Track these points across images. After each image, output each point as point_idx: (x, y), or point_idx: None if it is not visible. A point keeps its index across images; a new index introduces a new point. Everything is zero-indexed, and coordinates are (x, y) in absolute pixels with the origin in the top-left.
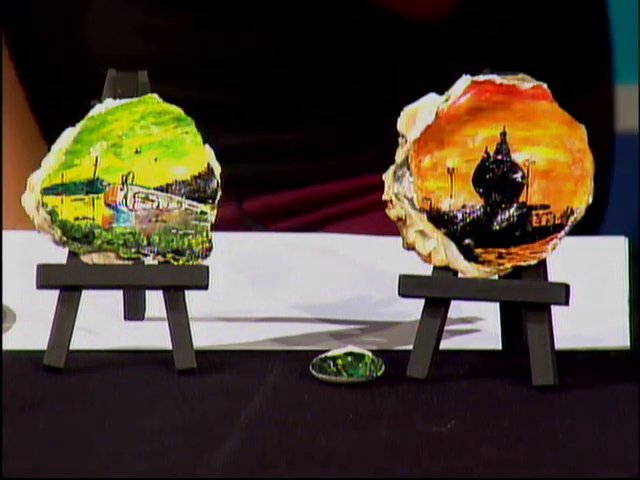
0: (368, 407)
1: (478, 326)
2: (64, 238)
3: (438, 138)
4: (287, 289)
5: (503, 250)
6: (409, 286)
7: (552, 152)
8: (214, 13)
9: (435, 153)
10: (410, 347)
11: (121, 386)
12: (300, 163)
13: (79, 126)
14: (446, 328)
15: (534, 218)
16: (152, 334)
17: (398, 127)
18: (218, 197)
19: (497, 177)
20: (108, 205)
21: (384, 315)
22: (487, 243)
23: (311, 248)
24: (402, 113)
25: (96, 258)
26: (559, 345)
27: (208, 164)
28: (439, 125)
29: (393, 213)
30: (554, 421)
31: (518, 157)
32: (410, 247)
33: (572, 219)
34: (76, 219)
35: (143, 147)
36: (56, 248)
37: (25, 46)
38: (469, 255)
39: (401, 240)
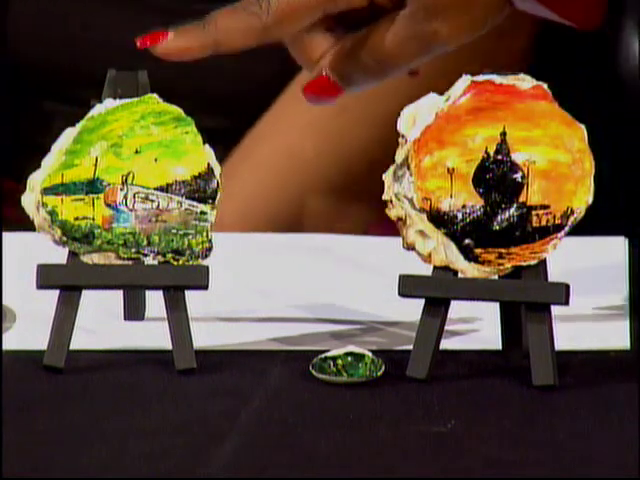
0: (368, 407)
1: (478, 326)
2: (64, 238)
3: (438, 138)
4: (287, 289)
5: (503, 250)
6: (409, 286)
7: (552, 152)
8: None
9: (435, 153)
10: (410, 347)
11: (121, 386)
12: None
13: (79, 126)
14: (446, 328)
15: (534, 218)
16: (152, 334)
17: (398, 127)
18: (218, 197)
19: (497, 177)
20: (108, 205)
21: (384, 315)
22: (487, 243)
23: (311, 248)
24: (402, 113)
25: (96, 258)
26: (559, 345)
27: (208, 164)
28: (439, 125)
29: (393, 213)
30: (554, 421)
31: (518, 157)
32: (410, 247)
33: (572, 219)
34: (76, 219)
35: (143, 147)
36: (56, 248)
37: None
38: (469, 255)
39: (401, 240)
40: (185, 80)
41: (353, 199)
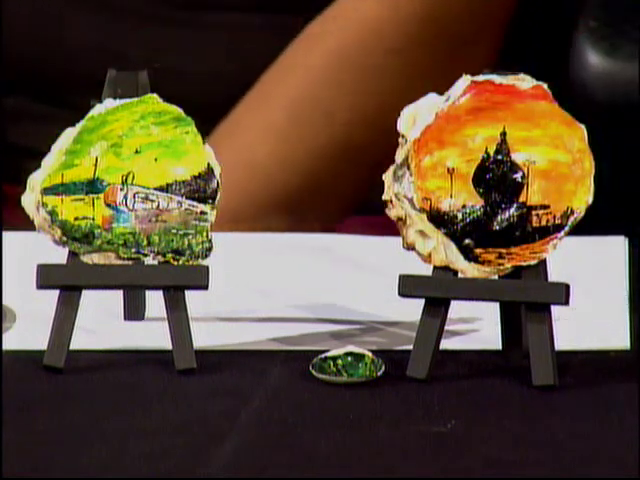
0: (368, 407)
1: (478, 326)
2: (64, 238)
3: (438, 138)
4: (287, 289)
5: (503, 250)
6: (409, 286)
7: (552, 152)
8: None
9: (435, 153)
10: (410, 347)
11: (121, 386)
12: None
13: (79, 126)
14: (446, 328)
15: (534, 218)
16: (152, 334)
17: (398, 127)
18: (218, 197)
19: (497, 177)
20: (108, 205)
21: (384, 315)
22: (487, 243)
23: (311, 248)
24: (402, 113)
25: (96, 258)
26: (559, 345)
27: (208, 164)
28: (439, 125)
29: (393, 213)
30: (554, 421)
31: (518, 157)
32: (410, 247)
33: (572, 219)
34: (76, 219)
35: (143, 147)
36: (56, 248)
37: None
38: (469, 255)
39: (401, 240)
40: (169, 86)
41: (310, 204)
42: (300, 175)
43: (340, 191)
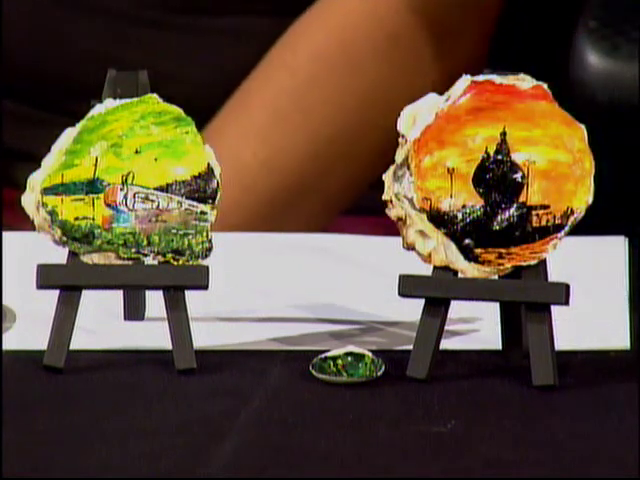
0: (368, 407)
1: (478, 326)
2: (64, 238)
3: (438, 138)
4: (287, 289)
5: (503, 250)
6: (409, 286)
7: (552, 152)
8: None
9: (435, 153)
10: (410, 347)
11: (121, 386)
12: None
13: (79, 126)
14: (446, 328)
15: (534, 218)
16: (152, 334)
17: (398, 127)
18: (218, 197)
19: (497, 177)
20: (108, 205)
21: (384, 315)
22: (487, 243)
23: (311, 248)
24: (402, 113)
25: (96, 258)
26: (559, 345)
27: (208, 164)
28: (439, 125)
29: (393, 213)
30: (554, 421)
31: (518, 157)
32: (410, 247)
33: (572, 219)
34: (76, 219)
35: (143, 147)
36: (56, 248)
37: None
38: (469, 255)
39: (401, 240)
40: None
41: (295, 204)
42: (283, 175)
43: (325, 190)
